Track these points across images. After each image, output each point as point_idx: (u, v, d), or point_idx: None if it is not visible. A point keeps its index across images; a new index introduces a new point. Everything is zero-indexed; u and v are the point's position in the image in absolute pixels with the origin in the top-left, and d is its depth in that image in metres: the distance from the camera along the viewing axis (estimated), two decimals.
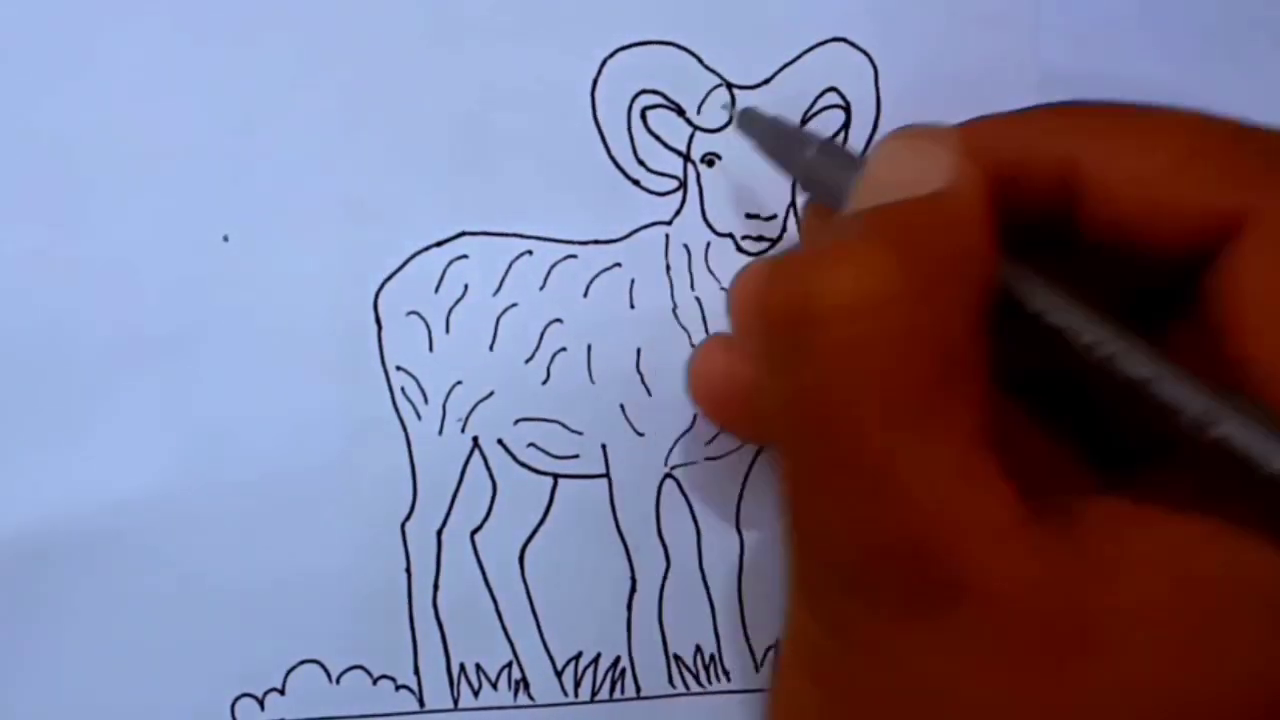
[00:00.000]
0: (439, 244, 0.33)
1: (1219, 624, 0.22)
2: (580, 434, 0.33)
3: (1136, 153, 0.25)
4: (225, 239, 0.32)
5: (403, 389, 0.33)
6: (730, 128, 0.32)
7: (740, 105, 0.32)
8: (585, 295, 0.33)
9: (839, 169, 0.27)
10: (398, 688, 0.33)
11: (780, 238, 0.33)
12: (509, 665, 0.33)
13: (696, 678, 0.34)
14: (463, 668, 0.33)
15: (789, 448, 0.24)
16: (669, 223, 0.33)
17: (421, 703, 0.33)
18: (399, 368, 0.33)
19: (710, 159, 0.33)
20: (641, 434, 0.33)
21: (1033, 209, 0.26)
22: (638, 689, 0.34)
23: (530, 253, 0.33)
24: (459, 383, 0.33)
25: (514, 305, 0.33)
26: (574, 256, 0.33)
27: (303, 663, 0.33)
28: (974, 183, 0.24)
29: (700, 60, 0.33)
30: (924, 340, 0.23)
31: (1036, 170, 0.26)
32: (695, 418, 0.33)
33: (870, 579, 0.23)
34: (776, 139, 0.30)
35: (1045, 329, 0.24)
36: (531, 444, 0.33)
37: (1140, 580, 0.22)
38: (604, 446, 0.33)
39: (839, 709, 0.24)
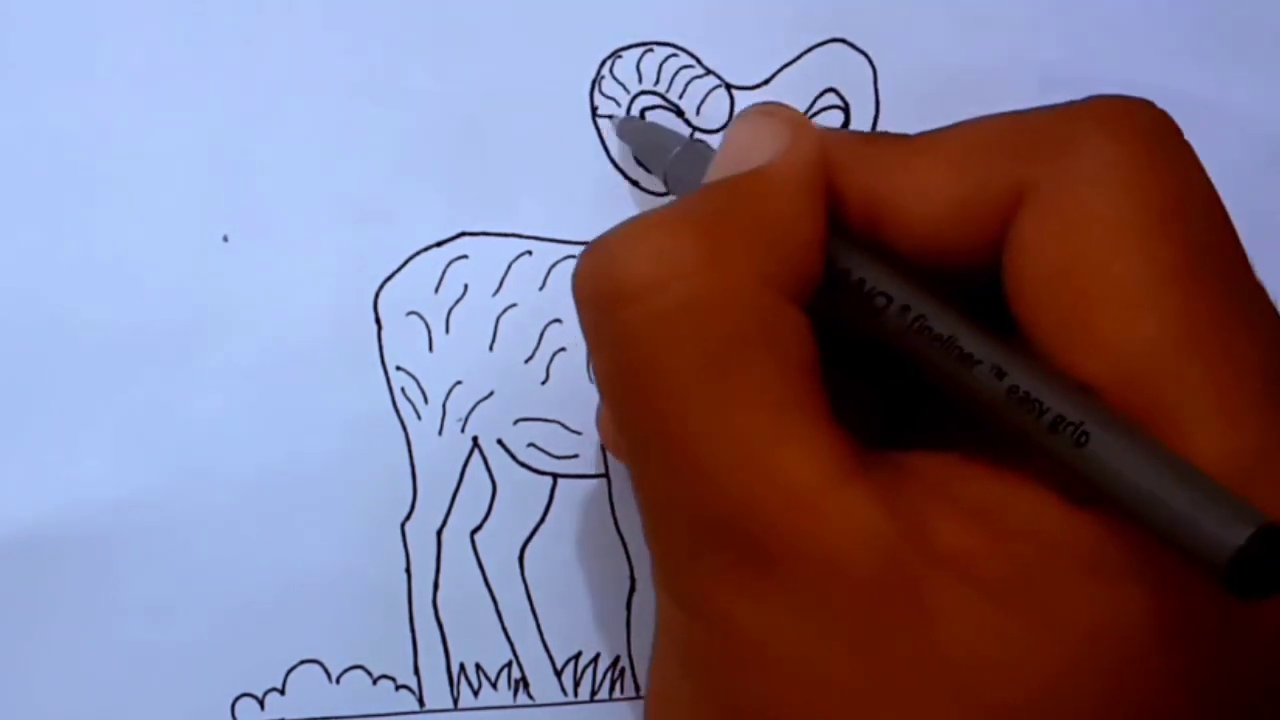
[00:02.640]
0: (439, 244, 0.33)
1: (1029, 575, 0.22)
2: (580, 434, 0.33)
3: (918, 171, 0.25)
4: (225, 239, 0.32)
5: (403, 389, 0.33)
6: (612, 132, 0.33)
7: (618, 120, 0.33)
8: None
9: (699, 165, 0.28)
10: (398, 687, 0.33)
11: None
12: (509, 665, 0.34)
13: None
14: (463, 667, 0.33)
15: (617, 425, 0.25)
16: None
17: (421, 702, 0.33)
18: (399, 368, 0.33)
19: None
20: None
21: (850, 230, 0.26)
22: (638, 688, 0.34)
23: (530, 253, 0.33)
24: (459, 383, 0.33)
25: (514, 305, 0.33)
26: (574, 257, 0.33)
27: (303, 662, 0.33)
28: (802, 157, 0.25)
29: (700, 60, 0.33)
30: (717, 308, 0.23)
31: (847, 198, 0.26)
32: None
33: (703, 548, 0.23)
34: (647, 142, 0.31)
35: (866, 297, 0.25)
36: (531, 444, 0.33)
37: (959, 532, 0.23)
38: (603, 446, 0.33)
39: (703, 687, 0.24)
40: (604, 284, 0.24)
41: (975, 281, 0.25)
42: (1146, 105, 0.25)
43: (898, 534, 0.22)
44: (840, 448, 0.23)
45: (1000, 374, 0.23)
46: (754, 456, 0.23)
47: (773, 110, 0.26)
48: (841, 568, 0.22)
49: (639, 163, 0.32)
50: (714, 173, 0.26)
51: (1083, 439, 0.22)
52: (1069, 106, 0.25)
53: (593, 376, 0.33)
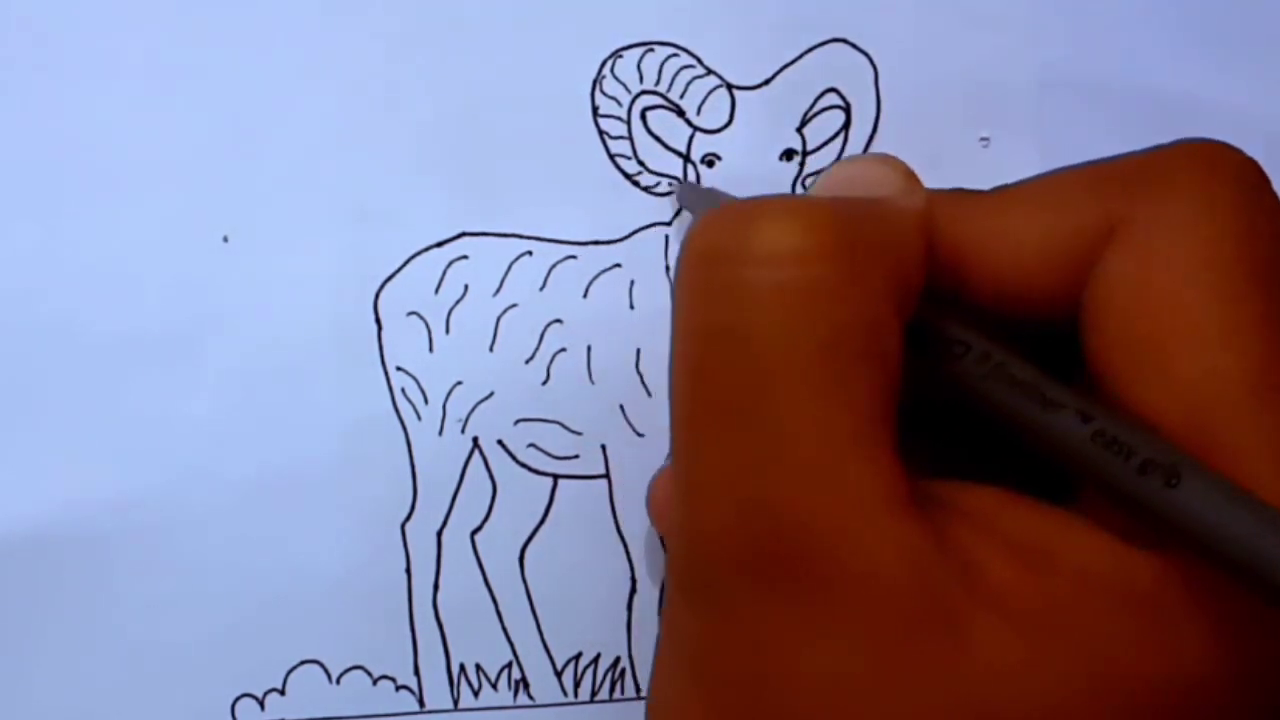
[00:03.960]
0: (439, 244, 0.33)
1: (1070, 613, 0.22)
2: (580, 434, 0.33)
3: (1005, 219, 0.25)
4: (225, 239, 0.32)
5: (403, 389, 0.33)
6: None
7: (676, 187, 0.33)
8: (585, 296, 0.33)
9: None
10: (398, 688, 0.33)
11: None
12: (509, 665, 0.33)
13: None
14: (463, 668, 0.33)
15: (685, 393, 0.24)
16: (669, 223, 0.33)
17: (422, 703, 0.33)
18: (399, 368, 0.33)
19: (711, 159, 0.33)
20: (641, 434, 0.33)
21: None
22: (638, 689, 0.34)
23: (530, 253, 0.33)
24: (459, 383, 0.33)
25: (514, 306, 0.33)
26: (574, 257, 0.33)
27: (303, 663, 0.33)
28: (917, 200, 0.25)
29: (700, 60, 0.33)
30: (844, 301, 0.23)
31: (934, 252, 0.26)
32: None
33: (742, 548, 0.23)
34: (706, 206, 0.30)
35: (944, 344, 0.25)
36: (531, 444, 0.33)
37: (1002, 568, 0.22)
38: (604, 447, 0.33)
39: (710, 694, 0.24)
40: (740, 242, 0.23)
41: (1046, 329, 0.25)
42: (1235, 150, 0.25)
43: (942, 562, 0.22)
44: (899, 472, 0.23)
45: (1085, 418, 0.23)
46: (828, 462, 0.22)
47: (885, 159, 0.27)
48: (882, 590, 0.22)
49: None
50: (821, 194, 0.26)
51: (1174, 481, 0.22)
52: (1161, 149, 0.25)
53: (595, 378, 0.33)
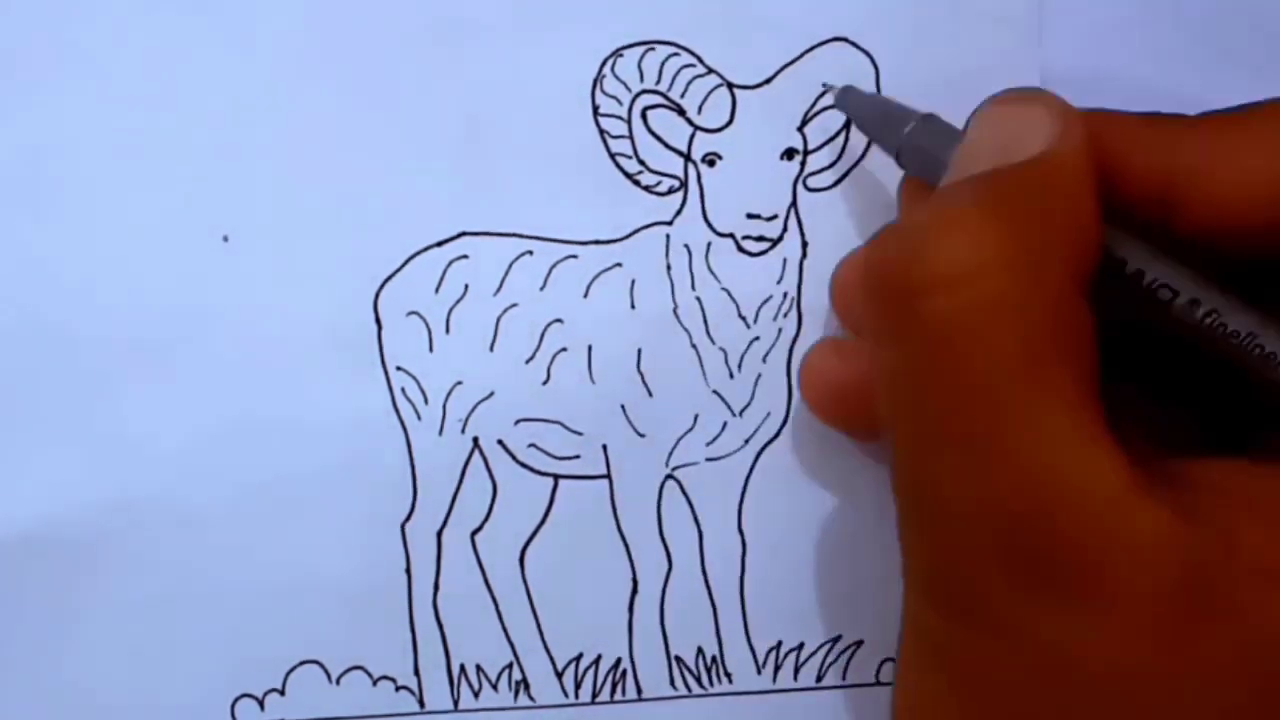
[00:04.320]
0: (439, 244, 0.33)
1: None
2: (581, 434, 0.33)
3: (1237, 147, 0.25)
4: (225, 239, 0.32)
5: (403, 389, 0.33)
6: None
7: (840, 87, 0.32)
8: (586, 295, 0.33)
9: (939, 142, 0.28)
10: (398, 688, 0.33)
11: (781, 237, 0.33)
12: (509, 666, 0.33)
13: (698, 679, 0.34)
14: (463, 668, 0.33)
15: (901, 422, 0.24)
16: (669, 223, 0.33)
17: (422, 703, 0.33)
18: (399, 368, 0.33)
19: (711, 159, 0.33)
20: (642, 434, 0.33)
21: (1127, 216, 0.25)
22: (639, 690, 0.34)
23: (530, 253, 0.33)
24: (459, 383, 0.33)
25: (514, 305, 0.33)
26: (574, 257, 0.33)
27: (303, 663, 0.33)
28: (1076, 145, 0.24)
29: (701, 59, 0.33)
30: (1029, 305, 0.23)
31: (1133, 178, 0.25)
32: (696, 418, 0.33)
33: (991, 549, 0.23)
34: (875, 115, 0.30)
35: (1148, 290, 0.24)
36: (532, 444, 0.33)
37: (1259, 537, 0.22)
38: (605, 447, 0.33)
39: (974, 697, 0.24)
40: (908, 272, 0.23)
41: (1258, 262, 0.25)
42: None
43: (1201, 540, 0.22)
44: (1125, 456, 0.23)
45: None
46: (1059, 464, 0.22)
47: (1034, 96, 0.26)
48: (1148, 577, 0.22)
49: (870, 133, 0.31)
50: (971, 157, 0.26)
51: None
52: None
53: (595, 378, 0.33)
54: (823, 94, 0.33)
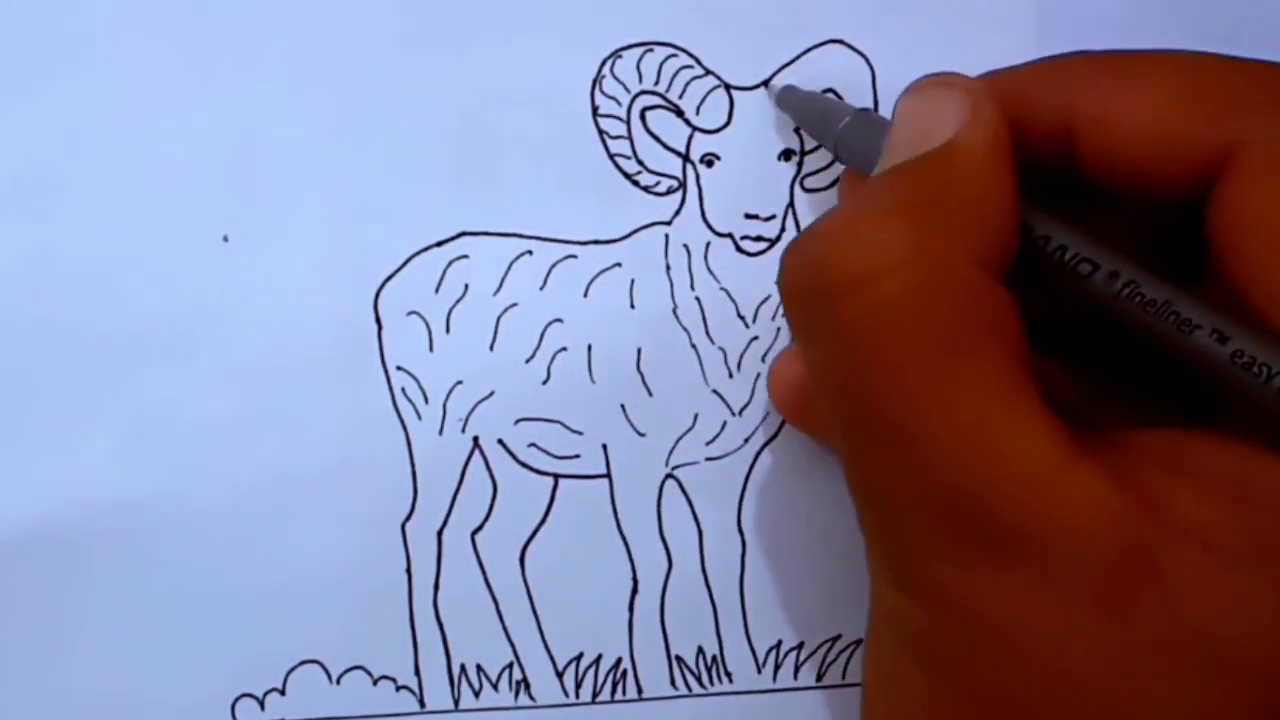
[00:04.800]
0: (439, 244, 0.33)
1: (1276, 542, 0.22)
2: (581, 434, 0.33)
3: (1129, 94, 0.26)
4: (225, 239, 0.32)
5: (403, 389, 0.33)
6: (770, 102, 0.33)
7: (778, 85, 0.32)
8: (585, 295, 0.33)
9: (872, 135, 0.28)
10: (398, 688, 0.33)
11: (780, 238, 0.33)
12: (510, 666, 0.33)
13: (698, 679, 0.34)
14: (463, 668, 0.33)
15: (835, 417, 0.25)
16: (669, 223, 0.33)
17: (422, 703, 0.33)
18: (399, 368, 0.33)
19: (710, 159, 0.33)
20: (642, 434, 0.33)
21: (1036, 161, 0.26)
22: (639, 690, 0.33)
23: (530, 253, 0.33)
24: (459, 383, 0.33)
25: (514, 305, 0.33)
26: (574, 256, 0.33)
27: (303, 663, 0.33)
28: (985, 127, 0.25)
29: (699, 61, 0.33)
30: (935, 296, 0.23)
31: (1036, 122, 0.26)
32: (696, 417, 0.33)
33: (934, 536, 0.23)
34: (813, 112, 0.31)
35: (1069, 265, 0.25)
36: (532, 444, 0.33)
37: (1195, 504, 0.23)
38: (605, 446, 0.33)
39: (932, 671, 0.24)
40: (817, 279, 0.24)
41: (1144, 203, 0.26)
42: None
43: (1134, 509, 0.22)
44: (1059, 428, 0.23)
45: (1222, 338, 0.23)
46: (983, 443, 0.23)
47: (948, 80, 0.27)
48: (1082, 546, 0.22)
49: (809, 130, 0.32)
50: (893, 148, 0.26)
51: None
52: None
53: (595, 377, 0.33)
54: (823, 92, 0.33)
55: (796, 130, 0.33)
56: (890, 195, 0.25)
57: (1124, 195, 0.26)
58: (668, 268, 0.33)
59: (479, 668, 0.33)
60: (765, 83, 0.33)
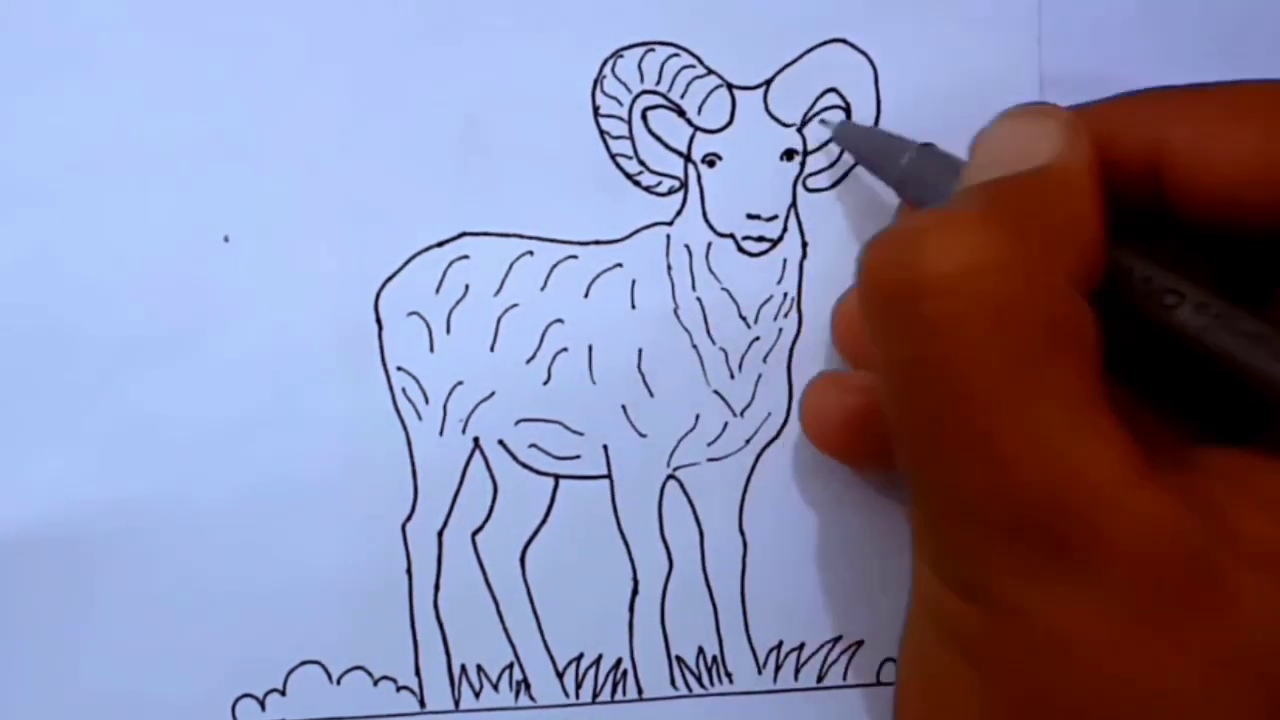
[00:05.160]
0: (440, 244, 0.33)
1: None
2: (581, 434, 0.33)
3: (1226, 126, 0.26)
4: (225, 239, 0.32)
5: (404, 389, 0.33)
6: (830, 143, 0.33)
7: (837, 122, 0.33)
8: (586, 296, 0.33)
9: (938, 170, 0.29)
10: (399, 688, 0.33)
11: (781, 238, 0.33)
12: (510, 666, 0.33)
13: (699, 679, 0.34)
14: (464, 669, 0.33)
15: (906, 418, 0.25)
16: (670, 223, 0.33)
17: (422, 703, 0.33)
18: (400, 368, 0.33)
19: (711, 159, 0.33)
20: (643, 434, 0.33)
21: (1124, 196, 0.26)
22: (639, 690, 0.34)
23: (531, 253, 0.33)
24: (460, 383, 0.33)
25: (515, 306, 0.33)
26: (575, 257, 0.33)
27: (304, 663, 0.33)
28: (1081, 155, 0.25)
29: (701, 60, 0.33)
30: (1027, 304, 0.23)
31: (1125, 156, 0.26)
32: (697, 418, 0.33)
33: (999, 541, 0.23)
34: (873, 147, 0.31)
35: (1154, 295, 0.25)
36: (533, 444, 0.33)
37: (1260, 526, 0.23)
38: (605, 447, 0.33)
39: (994, 677, 0.24)
40: (907, 275, 0.24)
41: (1240, 240, 0.26)
42: None
43: (1202, 528, 0.23)
44: (1131, 445, 0.23)
45: None
46: (1059, 453, 0.23)
47: (1042, 110, 0.27)
48: (1148, 561, 0.22)
49: (868, 166, 0.32)
50: (980, 168, 0.26)
51: None
52: None
53: (596, 378, 0.33)
54: (822, 95, 0.33)
55: (799, 130, 0.33)
56: (987, 201, 0.25)
57: (1210, 229, 0.26)
58: (669, 268, 0.33)
59: (479, 668, 0.33)
60: (769, 84, 0.33)
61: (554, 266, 0.33)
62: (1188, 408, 0.28)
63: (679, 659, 0.34)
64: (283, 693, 0.33)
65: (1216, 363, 0.25)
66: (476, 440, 0.33)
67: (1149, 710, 0.23)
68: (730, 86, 0.33)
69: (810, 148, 0.33)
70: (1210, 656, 0.22)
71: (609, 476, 0.33)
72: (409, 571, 0.33)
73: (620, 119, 0.33)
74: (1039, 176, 0.25)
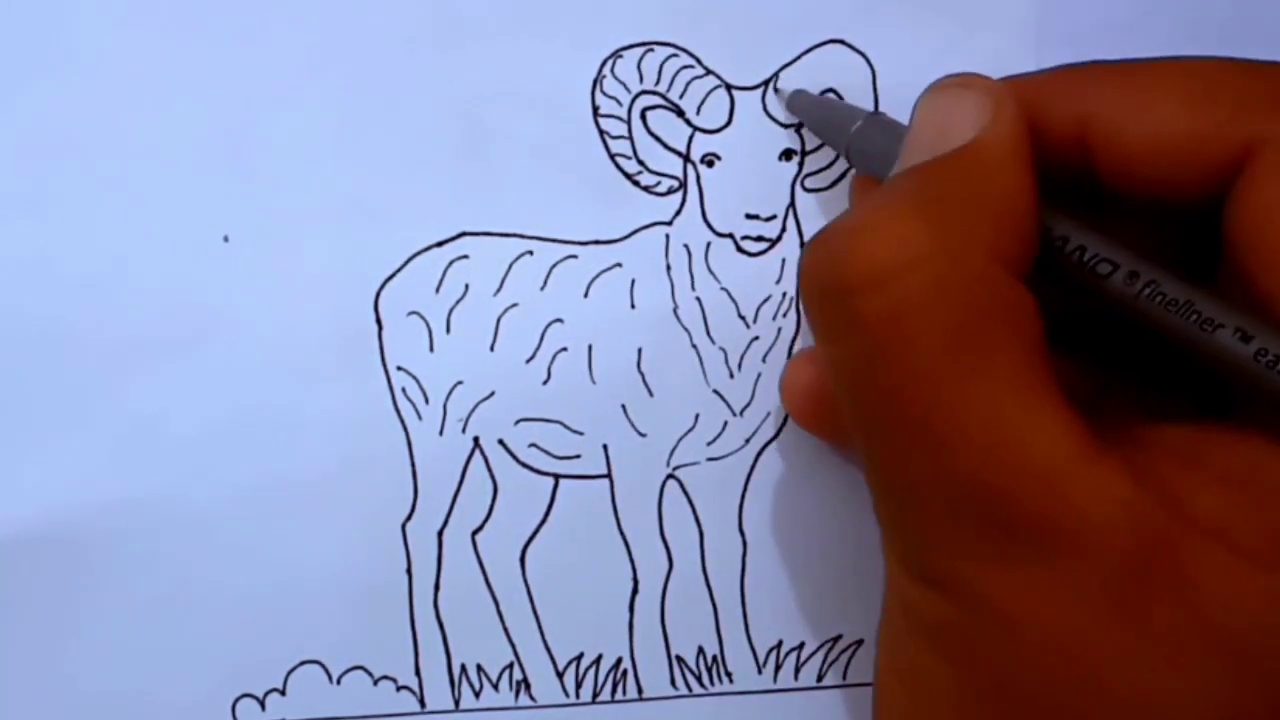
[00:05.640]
0: (439, 244, 0.33)
1: None
2: (581, 434, 0.33)
3: (1143, 100, 0.26)
4: (225, 239, 0.32)
5: (403, 389, 0.33)
6: (781, 106, 0.33)
7: (787, 89, 0.33)
8: (586, 295, 0.33)
9: (885, 139, 0.29)
10: (399, 688, 0.33)
11: (780, 237, 0.33)
12: (510, 666, 0.33)
13: (699, 679, 0.34)
14: (464, 668, 0.33)
15: (855, 413, 0.25)
16: (669, 223, 0.33)
17: (422, 703, 0.33)
18: (400, 368, 0.33)
19: (710, 159, 0.33)
20: (643, 434, 0.33)
21: (1051, 167, 0.26)
22: (639, 690, 0.33)
23: (531, 253, 0.33)
24: (460, 383, 0.33)
25: (515, 305, 0.33)
26: (574, 257, 0.33)
27: (304, 663, 0.33)
28: (1007, 127, 0.25)
29: (700, 60, 0.33)
30: (955, 294, 0.23)
31: (1051, 129, 0.26)
32: (697, 417, 0.33)
33: (954, 528, 0.23)
34: (823, 116, 0.31)
35: (1089, 265, 0.25)
36: (533, 444, 0.33)
37: (1214, 500, 0.23)
38: (605, 447, 0.33)
39: (961, 665, 0.24)
40: (838, 275, 0.24)
41: (1160, 209, 0.26)
42: None
43: (1153, 505, 0.23)
44: (1079, 423, 0.23)
45: (1245, 337, 0.23)
46: (1004, 437, 0.23)
47: (968, 81, 0.27)
48: (1100, 541, 0.22)
49: (819, 133, 0.32)
50: (912, 148, 0.27)
51: None
52: None
53: (596, 378, 0.33)
54: (820, 95, 0.33)
55: (798, 130, 0.33)
56: (911, 192, 0.25)
57: (1138, 201, 0.26)
58: (668, 268, 0.33)
59: (479, 668, 0.33)
60: (770, 84, 0.33)
61: (554, 266, 0.33)
62: (1141, 378, 0.28)
63: (679, 659, 0.34)
64: (283, 693, 0.33)
65: (1151, 331, 0.25)
66: (476, 440, 0.33)
67: (1110, 690, 0.23)
68: (729, 86, 0.33)
69: (808, 148, 0.33)
70: (1169, 634, 0.22)
71: (609, 476, 0.33)
72: (409, 571, 0.33)
73: (620, 119, 0.33)
74: (962, 156, 0.25)
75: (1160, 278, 0.25)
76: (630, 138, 0.33)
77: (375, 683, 0.33)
